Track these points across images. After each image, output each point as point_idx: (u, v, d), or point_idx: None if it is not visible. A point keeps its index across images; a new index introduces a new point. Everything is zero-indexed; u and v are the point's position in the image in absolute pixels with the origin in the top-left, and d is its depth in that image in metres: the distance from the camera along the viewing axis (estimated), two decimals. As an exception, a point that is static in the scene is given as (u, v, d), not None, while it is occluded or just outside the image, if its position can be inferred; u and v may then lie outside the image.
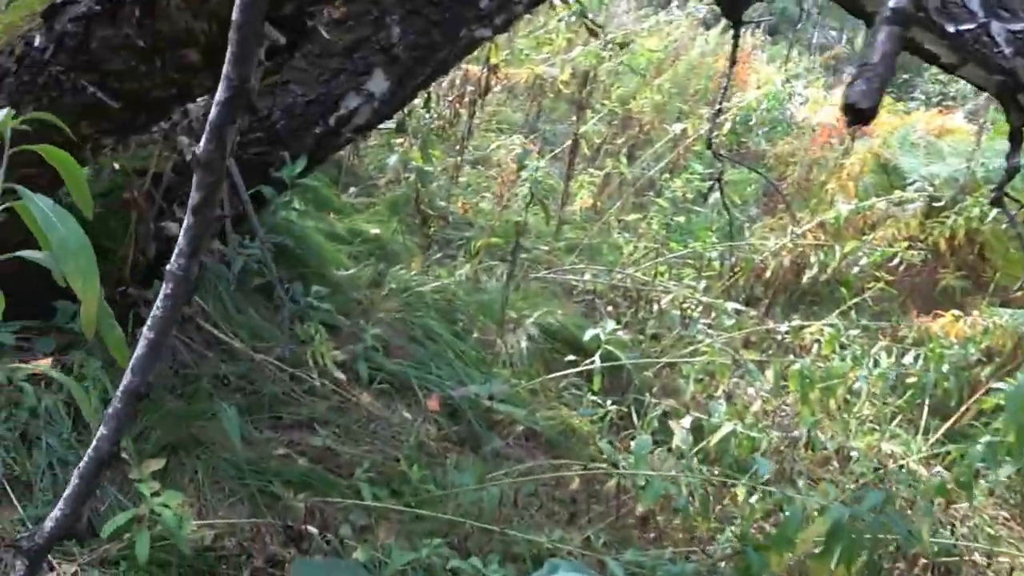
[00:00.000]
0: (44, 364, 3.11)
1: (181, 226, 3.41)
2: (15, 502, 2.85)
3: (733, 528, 3.65)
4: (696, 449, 4.07)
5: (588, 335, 4.17)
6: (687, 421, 4.11)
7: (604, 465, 3.70)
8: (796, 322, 4.69)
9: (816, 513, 3.06)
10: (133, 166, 3.58)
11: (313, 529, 2.78)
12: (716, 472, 4.12)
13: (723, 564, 3.50)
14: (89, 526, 2.66)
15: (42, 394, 3.05)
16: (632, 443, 3.94)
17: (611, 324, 4.31)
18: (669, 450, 4.01)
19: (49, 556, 2.76)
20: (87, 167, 3.55)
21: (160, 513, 2.73)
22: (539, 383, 4.08)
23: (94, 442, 1.27)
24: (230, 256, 3.30)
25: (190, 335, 3.52)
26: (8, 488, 2.87)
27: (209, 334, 3.55)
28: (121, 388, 1.23)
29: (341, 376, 3.71)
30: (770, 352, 4.67)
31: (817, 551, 2.69)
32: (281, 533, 2.77)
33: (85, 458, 1.30)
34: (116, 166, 3.55)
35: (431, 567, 2.81)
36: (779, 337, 4.83)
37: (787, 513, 3.24)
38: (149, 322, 1.18)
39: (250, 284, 3.78)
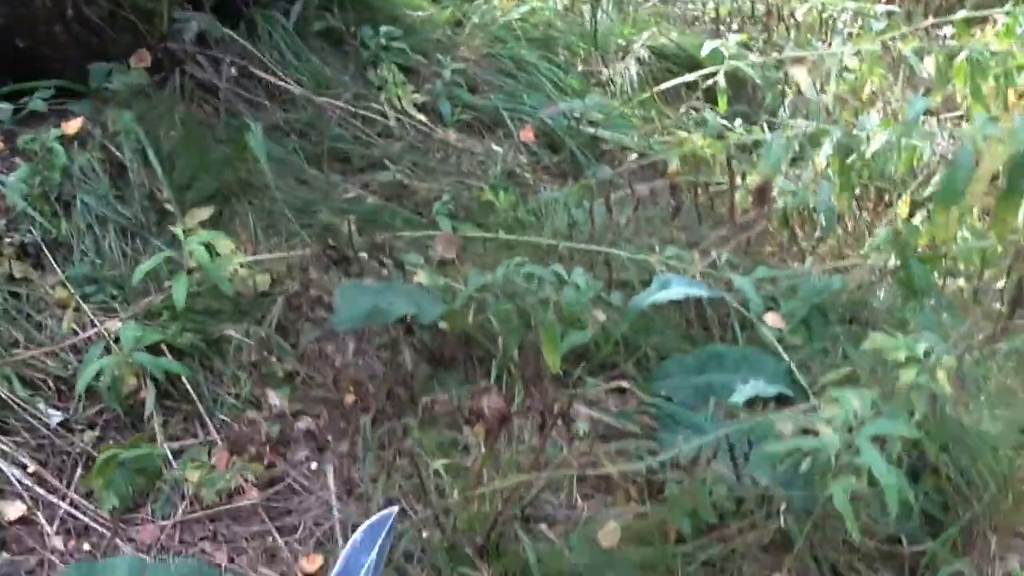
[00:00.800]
0: (76, 124, 2.72)
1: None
2: (56, 265, 2.49)
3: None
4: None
5: (707, 48, 3.46)
6: (835, 134, 3.39)
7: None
8: (963, 14, 3.79)
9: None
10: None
11: (363, 254, 2.30)
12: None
13: (876, 280, 2.83)
14: None
15: (75, 154, 2.66)
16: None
17: (735, 37, 3.59)
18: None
19: (88, 311, 2.42)
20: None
21: (192, 251, 2.31)
22: (655, 111, 3.43)
23: None
24: None
25: (245, 88, 3.05)
26: (47, 252, 2.51)
27: (267, 83, 3.07)
28: None
29: (422, 118, 3.18)
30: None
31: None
32: (326, 258, 2.31)
33: None
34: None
35: (512, 288, 2.28)
36: (942, 35, 3.95)
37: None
38: None
39: (311, 29, 3.26)
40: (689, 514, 1.98)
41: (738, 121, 3.46)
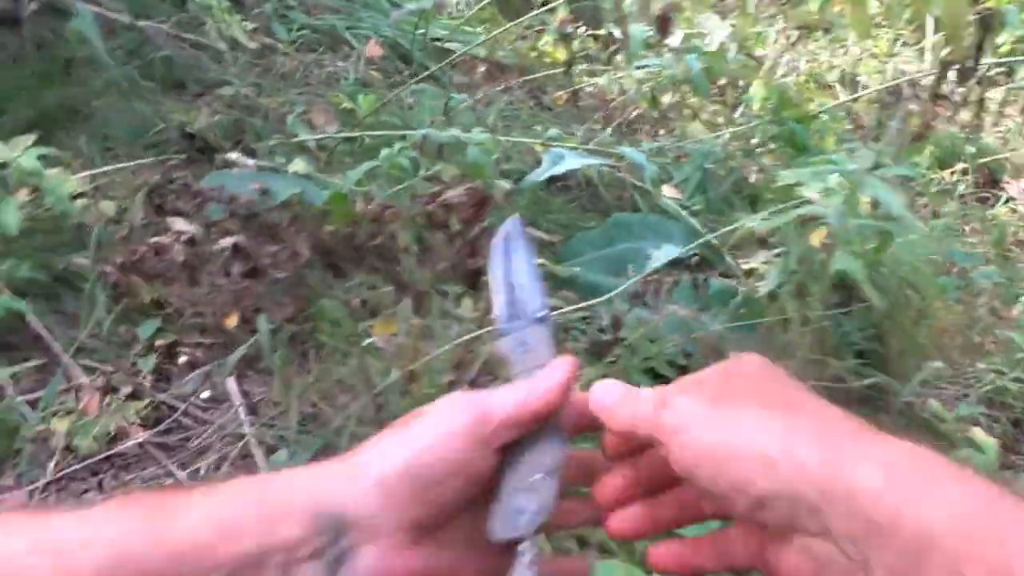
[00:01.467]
0: None
1: None
2: None
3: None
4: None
5: (539, -41, 3.23)
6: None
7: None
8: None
9: None
10: None
11: (233, 154, 1.91)
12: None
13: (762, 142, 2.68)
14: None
15: None
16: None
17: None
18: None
19: None
20: None
21: (30, 170, 1.86)
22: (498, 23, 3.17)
23: None
24: None
25: (53, 28, 2.58)
26: None
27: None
28: None
29: (254, 44, 2.79)
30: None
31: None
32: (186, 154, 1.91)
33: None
34: None
35: (399, 176, 1.96)
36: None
37: None
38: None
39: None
40: (644, 371, 1.73)
41: (582, 28, 3.28)
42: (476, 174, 1.77)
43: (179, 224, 1.52)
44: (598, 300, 1.57)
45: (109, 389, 1.77)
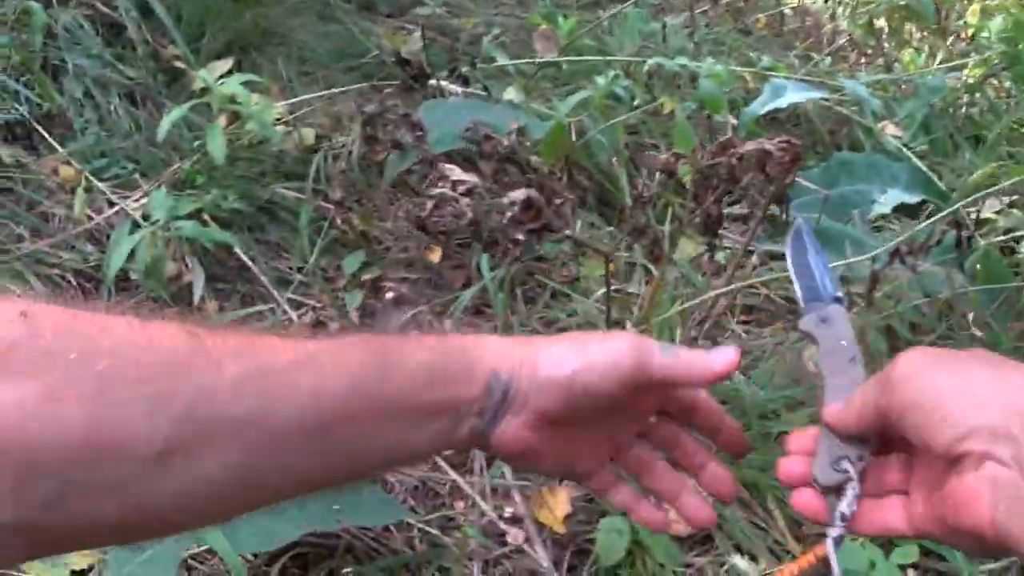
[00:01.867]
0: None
1: None
2: (52, 141, 1.97)
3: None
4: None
5: None
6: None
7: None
8: None
9: None
10: None
11: (441, 81, 1.80)
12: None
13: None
14: None
15: (57, 13, 2.12)
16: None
17: None
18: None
19: (105, 190, 1.92)
20: None
21: (232, 94, 1.81)
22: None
23: None
24: None
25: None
26: (40, 129, 1.99)
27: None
28: None
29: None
30: None
31: None
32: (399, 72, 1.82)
33: None
34: None
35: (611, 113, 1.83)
36: None
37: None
38: None
39: None
40: (881, 330, 1.58)
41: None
42: (712, 107, 1.62)
43: (456, 173, 1.41)
44: (864, 257, 1.42)
45: (318, 324, 1.73)
